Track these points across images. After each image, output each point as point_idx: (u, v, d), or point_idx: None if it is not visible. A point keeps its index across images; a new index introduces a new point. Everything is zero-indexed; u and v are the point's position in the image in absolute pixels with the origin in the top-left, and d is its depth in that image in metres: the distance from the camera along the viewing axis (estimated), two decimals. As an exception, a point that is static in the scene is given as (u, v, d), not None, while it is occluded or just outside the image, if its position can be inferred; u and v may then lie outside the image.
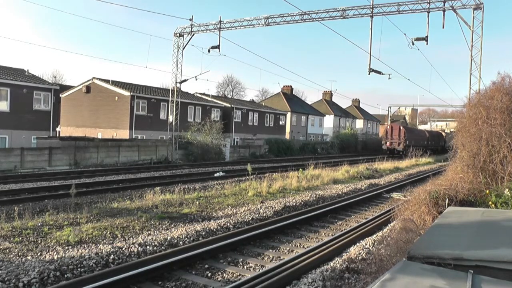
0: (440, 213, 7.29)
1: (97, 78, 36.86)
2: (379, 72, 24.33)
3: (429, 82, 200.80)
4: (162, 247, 8.12)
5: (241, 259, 7.95)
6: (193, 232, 9.11)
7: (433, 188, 9.45)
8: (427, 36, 22.03)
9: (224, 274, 7.16)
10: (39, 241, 8.22)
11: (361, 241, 9.05)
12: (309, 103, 71.08)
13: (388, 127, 49.40)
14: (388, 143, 46.58)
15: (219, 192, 15.22)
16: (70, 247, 7.91)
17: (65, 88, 40.39)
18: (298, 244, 9.25)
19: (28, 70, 31.11)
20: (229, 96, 68.89)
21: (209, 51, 27.75)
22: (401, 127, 47.97)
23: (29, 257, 7.20)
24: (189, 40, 29.77)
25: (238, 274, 7.16)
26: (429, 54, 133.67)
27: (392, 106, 68.90)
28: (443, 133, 61.48)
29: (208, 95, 47.63)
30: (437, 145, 53.92)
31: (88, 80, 37.24)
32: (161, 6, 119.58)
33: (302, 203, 13.68)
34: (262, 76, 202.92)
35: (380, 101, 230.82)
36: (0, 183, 16.20)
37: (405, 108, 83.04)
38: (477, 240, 4.81)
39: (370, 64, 23.39)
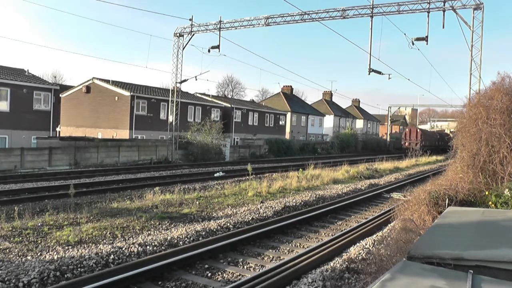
0: (440, 213, 7.29)
1: (97, 78, 36.86)
2: (379, 72, 24.33)
3: (429, 82, 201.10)
4: (162, 247, 8.12)
5: (241, 259, 7.95)
6: (193, 232, 9.11)
7: (433, 188, 9.45)
8: (427, 36, 22.02)
9: (224, 274, 7.16)
10: (39, 241, 8.21)
11: (361, 241, 9.04)
12: (309, 103, 71.06)
13: (407, 129, 57.61)
14: (407, 143, 53.58)
15: (219, 192, 15.22)
16: (70, 247, 7.91)
17: (65, 88, 40.37)
18: (298, 244, 9.25)
19: (28, 70, 31.10)
20: (229, 96, 68.84)
21: (209, 51, 27.74)
22: (418, 130, 56.41)
23: (29, 257, 7.20)
24: (189, 40, 29.79)
25: (238, 274, 7.16)
26: (429, 54, 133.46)
27: (392, 106, 68.93)
28: (450, 134, 62.66)
29: (208, 95, 47.62)
30: (445, 145, 55.94)
31: (88, 80, 37.24)
32: (161, 6, 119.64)
33: (302, 203, 13.67)
34: (262, 76, 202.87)
35: (380, 101, 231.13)
36: (0, 183, 16.20)
37: (405, 108, 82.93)
38: (477, 240, 4.81)
39: (370, 64, 23.39)
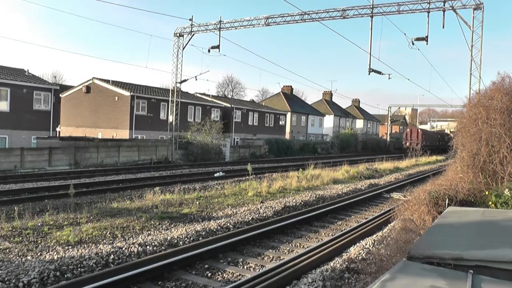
0: (440, 213, 7.29)
1: (97, 78, 36.87)
2: (379, 72, 24.32)
3: (429, 82, 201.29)
4: (162, 247, 8.12)
5: (241, 259, 7.95)
6: (193, 232, 9.11)
7: (433, 188, 9.45)
8: (427, 36, 22.01)
9: (224, 274, 7.16)
10: (39, 241, 8.21)
11: (361, 241, 9.04)
12: (309, 103, 71.07)
13: (408, 130, 58.50)
14: (408, 143, 54.29)
15: (219, 192, 15.22)
16: (70, 247, 7.91)
17: (65, 88, 40.38)
18: (298, 244, 9.25)
19: (28, 70, 31.10)
20: (229, 96, 68.83)
21: (209, 51, 27.73)
22: (419, 130, 57.53)
23: (29, 257, 7.19)
24: (189, 40, 29.78)
25: (238, 274, 7.16)
26: (429, 54, 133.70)
27: (392, 106, 68.92)
28: (450, 134, 62.97)
29: (208, 95, 47.62)
30: (445, 145, 56.30)
31: (88, 80, 37.25)
32: (161, 6, 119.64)
33: (302, 203, 13.67)
34: (262, 76, 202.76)
35: (380, 101, 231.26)
36: (0, 183, 16.20)
37: (405, 108, 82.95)
38: (477, 240, 4.81)
39: (370, 64, 23.38)
